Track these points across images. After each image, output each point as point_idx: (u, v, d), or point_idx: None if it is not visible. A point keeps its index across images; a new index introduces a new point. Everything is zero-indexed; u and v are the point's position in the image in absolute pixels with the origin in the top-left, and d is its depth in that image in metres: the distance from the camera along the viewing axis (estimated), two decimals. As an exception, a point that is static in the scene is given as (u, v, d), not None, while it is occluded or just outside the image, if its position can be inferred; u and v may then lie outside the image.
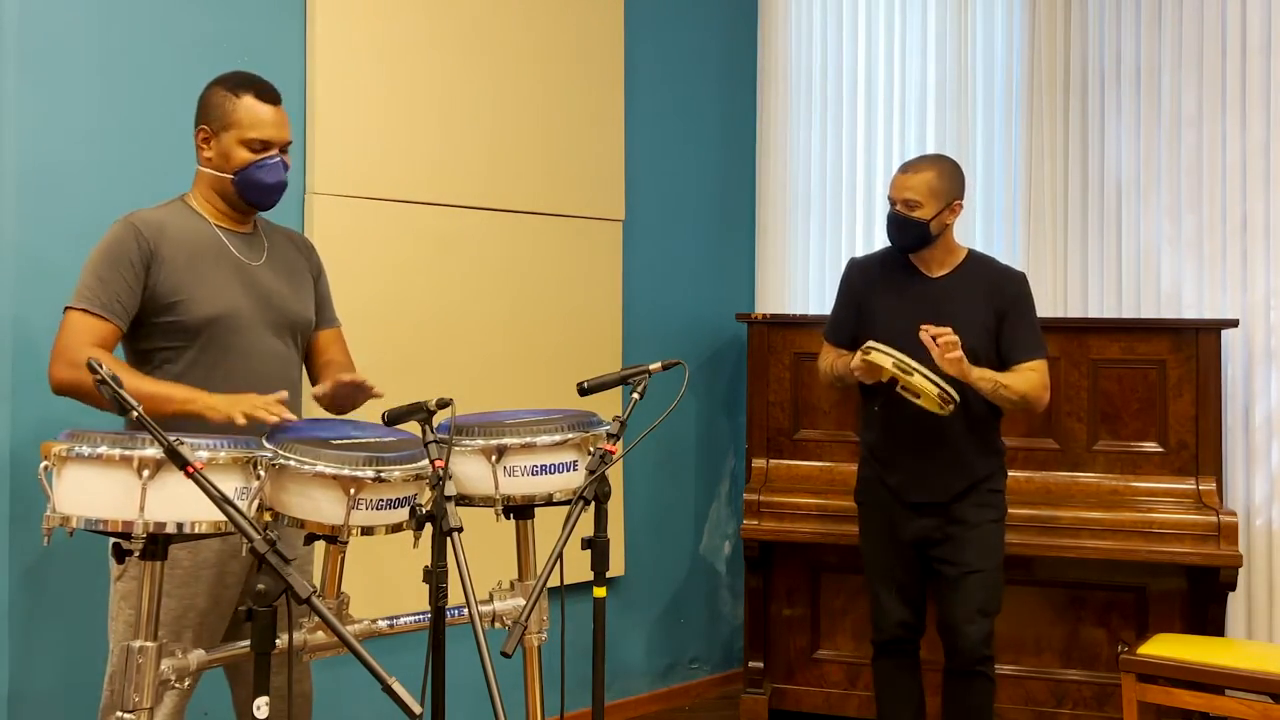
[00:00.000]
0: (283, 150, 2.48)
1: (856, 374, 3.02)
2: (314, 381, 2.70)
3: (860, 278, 3.30)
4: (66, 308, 2.37)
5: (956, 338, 2.93)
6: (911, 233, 3.13)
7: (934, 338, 2.93)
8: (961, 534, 3.13)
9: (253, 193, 2.46)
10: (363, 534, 2.20)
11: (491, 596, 2.59)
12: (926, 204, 3.09)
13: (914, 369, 2.87)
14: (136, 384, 2.25)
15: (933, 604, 3.24)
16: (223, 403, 2.26)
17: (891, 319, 3.14)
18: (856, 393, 3.33)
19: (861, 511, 3.32)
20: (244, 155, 2.43)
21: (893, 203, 3.14)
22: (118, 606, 2.37)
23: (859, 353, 2.98)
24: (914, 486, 3.15)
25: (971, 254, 3.27)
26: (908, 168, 3.17)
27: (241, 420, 2.22)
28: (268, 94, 2.46)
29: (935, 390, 2.87)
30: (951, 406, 2.91)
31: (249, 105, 2.43)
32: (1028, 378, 3.11)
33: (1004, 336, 3.13)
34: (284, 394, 2.30)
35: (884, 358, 2.90)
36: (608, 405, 3.67)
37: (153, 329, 2.40)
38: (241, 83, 2.46)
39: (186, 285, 2.39)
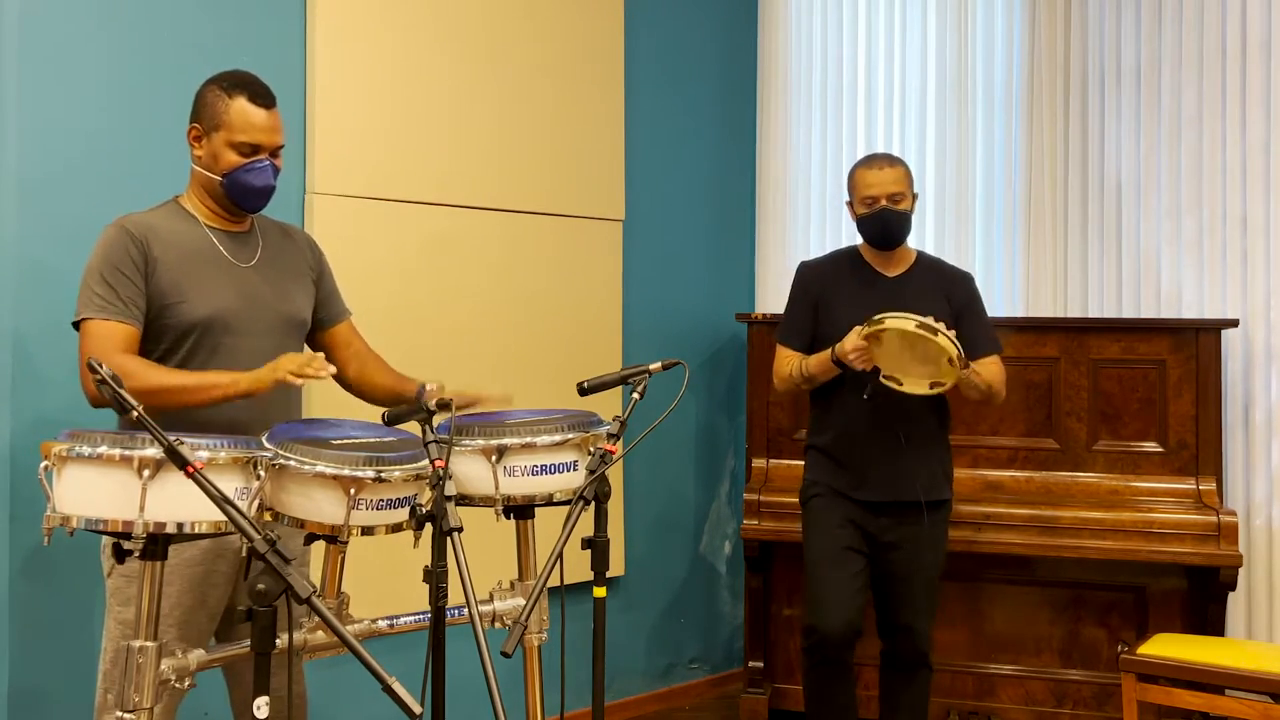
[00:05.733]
0: (273, 154, 2.45)
1: (852, 358, 2.96)
2: (343, 371, 2.66)
3: (816, 280, 3.28)
4: (81, 320, 2.34)
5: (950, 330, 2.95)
6: (904, 226, 3.20)
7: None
8: (919, 535, 3.17)
9: (239, 196, 2.44)
10: (363, 534, 2.20)
11: (491, 596, 2.59)
12: (907, 194, 3.18)
13: (936, 327, 2.85)
14: (170, 379, 2.28)
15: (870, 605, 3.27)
16: (265, 372, 2.27)
17: (853, 320, 3.13)
18: (807, 396, 3.32)
19: (811, 511, 3.26)
20: (232, 158, 2.41)
21: (875, 200, 3.14)
22: (109, 605, 2.37)
23: (856, 336, 2.94)
24: (882, 488, 3.15)
25: (920, 254, 3.32)
26: (882, 163, 3.17)
27: (294, 380, 2.24)
28: (261, 97, 2.43)
29: (956, 350, 2.86)
30: (960, 371, 2.93)
31: (240, 107, 2.41)
32: (992, 370, 3.20)
33: (963, 335, 3.15)
34: (320, 355, 2.30)
35: (904, 321, 2.85)
36: (608, 405, 3.67)
37: (146, 332, 2.39)
38: (236, 84, 2.43)
39: (178, 288, 2.38)
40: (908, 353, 2.93)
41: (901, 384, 3.00)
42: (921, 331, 2.85)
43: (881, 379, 3.00)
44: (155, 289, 2.37)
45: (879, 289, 3.22)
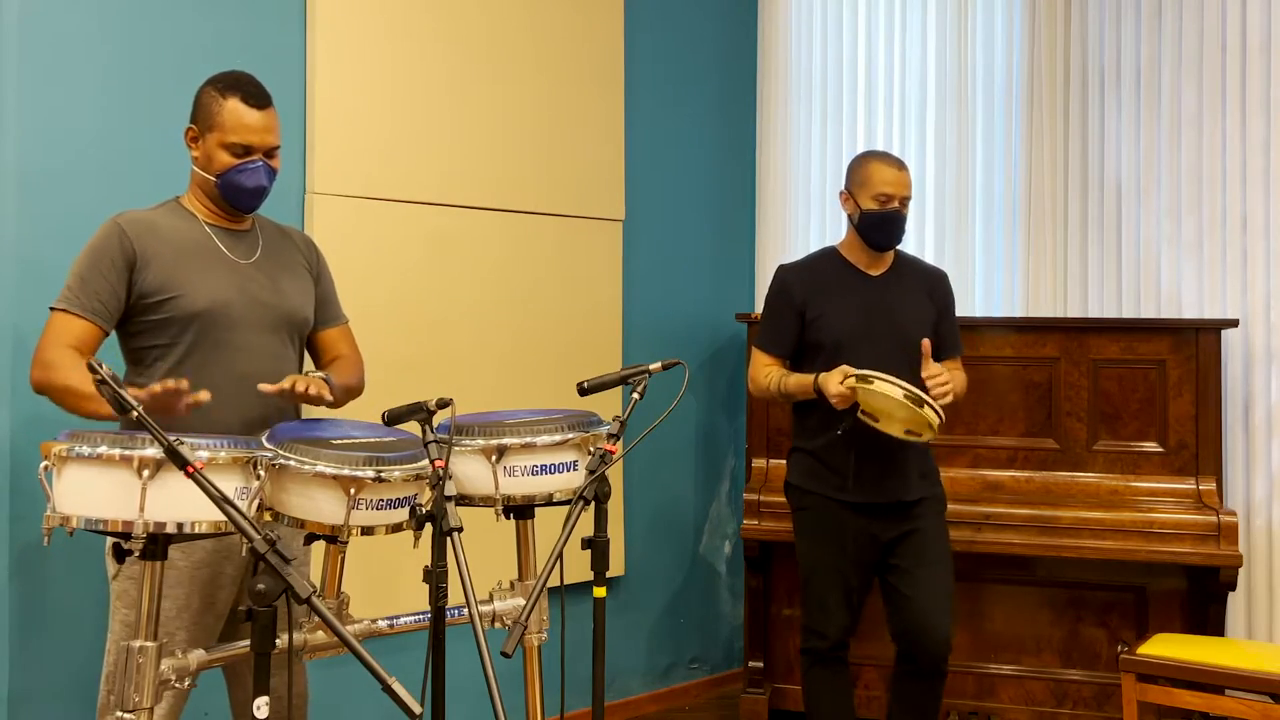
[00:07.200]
0: (268, 154, 2.45)
1: (834, 401, 2.94)
2: None
3: (800, 284, 3.21)
4: (50, 308, 2.38)
5: (949, 380, 3.01)
6: (903, 229, 3.19)
7: (932, 377, 2.97)
8: (921, 531, 3.14)
9: (232, 196, 2.45)
10: (363, 534, 2.20)
11: (491, 596, 2.59)
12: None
13: (923, 399, 2.82)
14: (84, 385, 2.22)
15: (874, 608, 3.24)
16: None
17: (846, 321, 3.12)
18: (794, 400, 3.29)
19: (806, 516, 3.21)
20: (225, 159, 2.41)
21: (889, 199, 3.11)
22: (114, 606, 2.37)
23: (840, 379, 2.91)
24: (874, 490, 3.11)
25: (898, 252, 3.30)
26: (898, 164, 3.15)
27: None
28: (255, 97, 2.43)
29: (938, 420, 2.84)
30: (933, 435, 2.91)
31: (233, 108, 2.41)
32: (959, 378, 3.24)
33: (939, 335, 3.19)
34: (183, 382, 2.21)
35: (893, 388, 2.82)
36: (608, 405, 3.67)
37: (144, 328, 2.40)
38: (230, 85, 2.44)
39: (174, 283, 2.39)
40: (892, 404, 2.88)
41: (877, 421, 2.94)
42: (908, 403, 2.83)
43: (860, 415, 2.96)
44: (150, 286, 2.38)
45: (868, 288, 3.19)
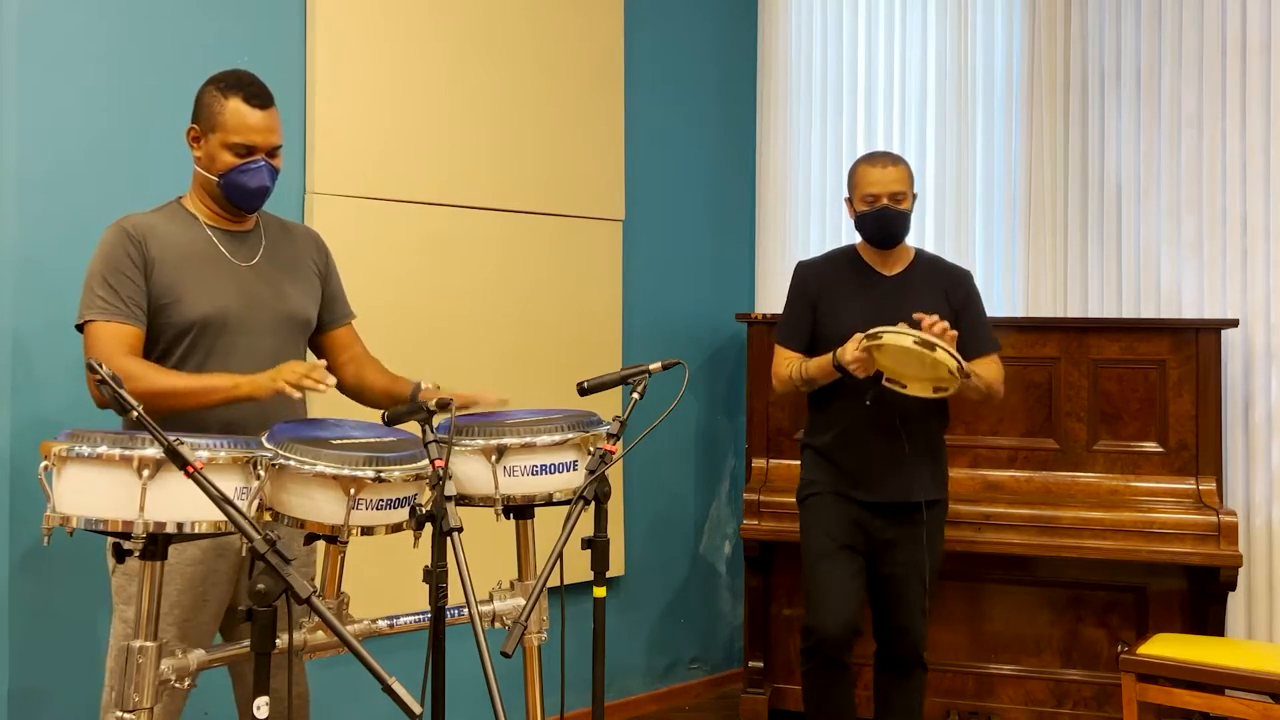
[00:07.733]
0: (270, 154, 2.45)
1: (853, 368, 2.96)
2: (340, 376, 2.67)
3: (815, 280, 3.26)
4: (85, 323, 2.34)
5: (945, 322, 2.94)
6: (903, 226, 3.20)
7: (929, 326, 2.94)
8: (917, 535, 3.16)
9: (235, 196, 2.44)
10: (363, 534, 2.19)
11: (491, 596, 2.59)
12: (908, 194, 3.18)
13: (935, 343, 2.84)
14: (171, 381, 2.29)
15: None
16: (265, 380, 2.27)
17: (854, 319, 3.13)
18: (805, 394, 3.30)
19: (810, 510, 3.24)
20: (228, 159, 2.41)
21: (876, 198, 3.13)
22: (114, 603, 2.37)
23: (855, 344, 2.93)
24: (879, 489, 3.14)
25: (919, 251, 3.32)
26: (885, 162, 3.18)
27: (293, 392, 2.24)
28: (257, 97, 2.43)
29: (955, 363, 2.86)
30: (961, 380, 2.92)
31: (235, 108, 2.40)
32: (991, 369, 3.21)
33: (961, 334, 3.13)
34: (322, 362, 2.35)
35: (902, 337, 2.85)
36: (608, 405, 3.67)
37: (146, 332, 2.40)
38: (232, 84, 2.43)
39: (176, 287, 2.38)
40: (909, 360, 2.92)
41: (905, 387, 2.99)
42: (919, 348, 2.84)
43: (884, 383, 3.00)
44: (153, 288, 2.38)
45: (879, 288, 3.22)
